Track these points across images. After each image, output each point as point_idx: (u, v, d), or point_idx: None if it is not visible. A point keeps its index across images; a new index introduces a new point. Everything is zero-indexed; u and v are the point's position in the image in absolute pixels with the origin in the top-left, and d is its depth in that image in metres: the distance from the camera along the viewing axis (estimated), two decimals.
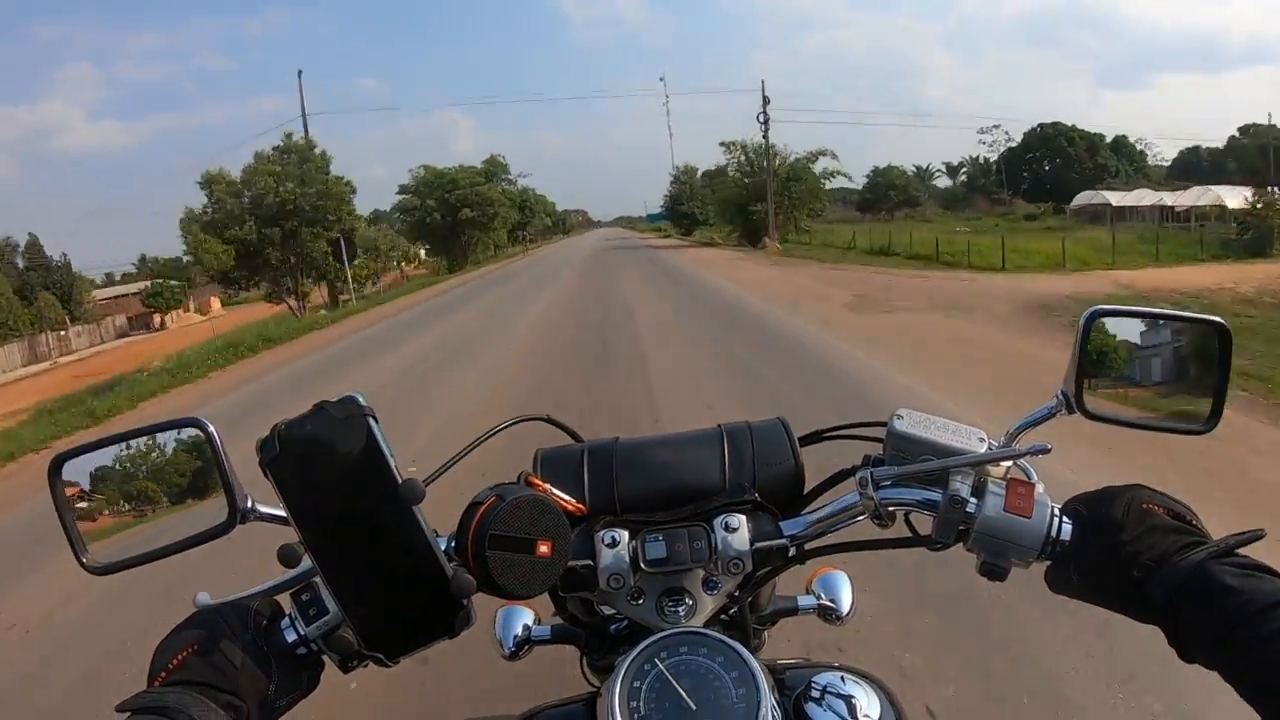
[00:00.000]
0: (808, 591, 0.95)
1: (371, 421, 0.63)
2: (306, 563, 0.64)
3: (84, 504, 0.72)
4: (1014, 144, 66.79)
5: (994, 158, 69.66)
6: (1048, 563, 0.67)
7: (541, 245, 73.55)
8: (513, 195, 50.69)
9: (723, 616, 0.79)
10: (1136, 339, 0.75)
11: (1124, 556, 0.62)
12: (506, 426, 0.86)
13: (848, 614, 0.94)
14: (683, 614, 0.74)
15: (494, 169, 49.85)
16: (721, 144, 41.85)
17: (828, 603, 0.93)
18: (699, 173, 60.37)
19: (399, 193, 46.23)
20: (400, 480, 0.62)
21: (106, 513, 0.73)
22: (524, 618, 0.94)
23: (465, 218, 43.58)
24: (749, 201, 37.80)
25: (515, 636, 0.93)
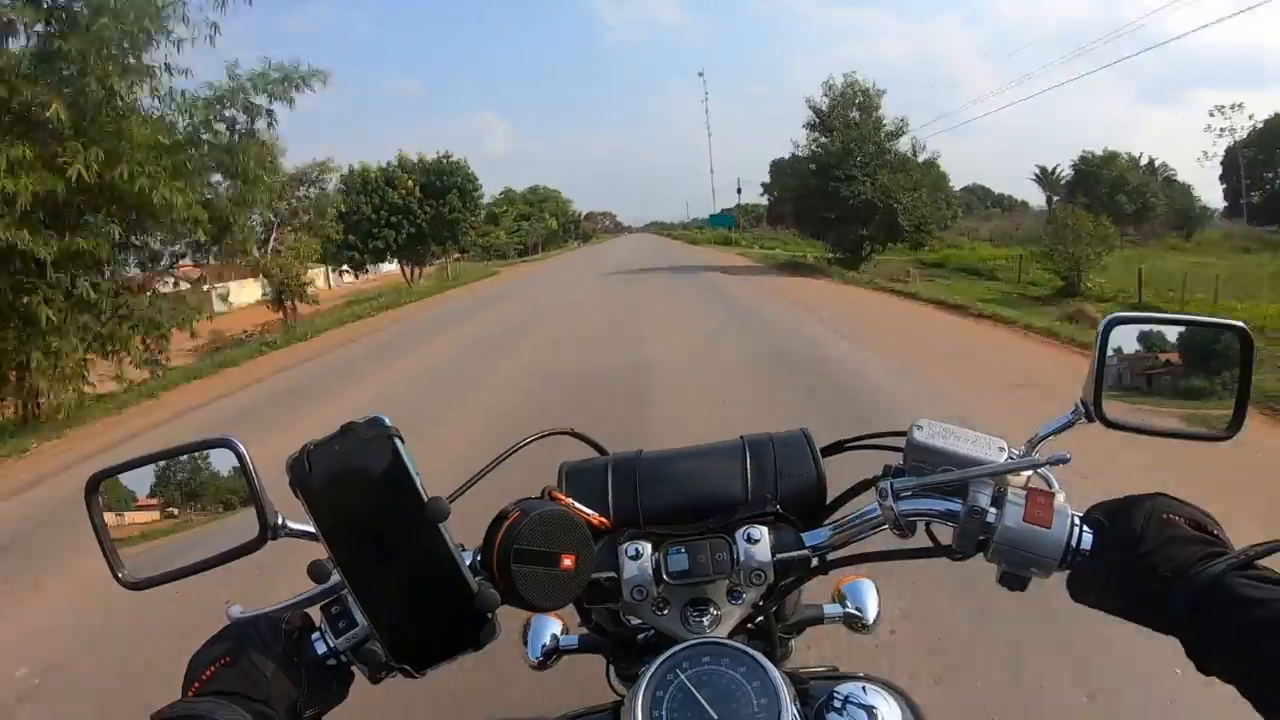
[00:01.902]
0: (834, 600, 0.95)
1: (397, 442, 0.64)
2: (335, 578, 0.66)
3: (119, 521, 0.74)
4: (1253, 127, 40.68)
5: (1217, 154, 42.30)
6: (1069, 571, 0.67)
7: (459, 287, 27.89)
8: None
9: (748, 626, 0.80)
10: (1156, 346, 0.74)
11: (1144, 568, 0.62)
12: (531, 441, 0.87)
13: (874, 622, 0.94)
14: (707, 624, 0.75)
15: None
16: None
17: (854, 611, 0.94)
18: (879, 92, 24.38)
19: None
20: (425, 499, 0.63)
21: (141, 530, 0.75)
22: (552, 627, 0.96)
23: None
24: None
25: (543, 646, 0.94)
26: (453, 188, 29.07)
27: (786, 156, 29.26)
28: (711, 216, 67.57)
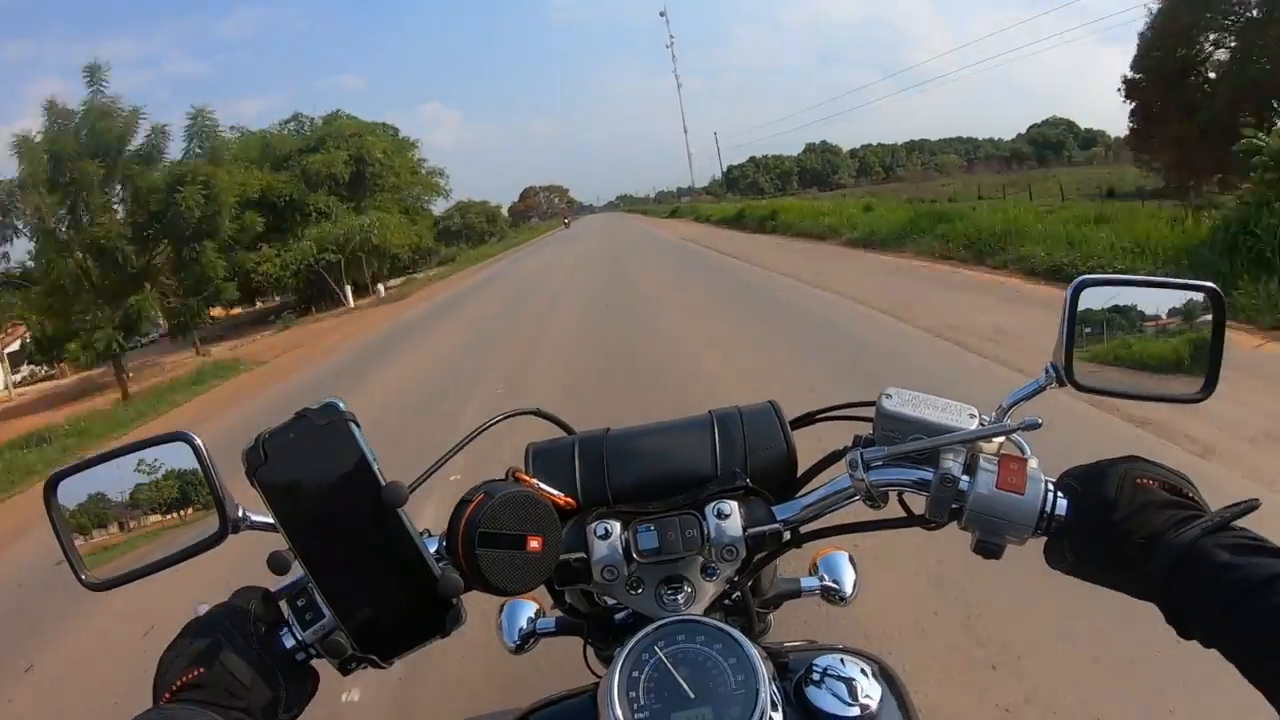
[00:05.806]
0: (810, 573, 0.95)
1: (353, 426, 0.63)
2: (298, 569, 0.64)
3: (81, 521, 0.72)
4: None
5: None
6: (1044, 538, 0.67)
7: None
8: None
9: (725, 602, 0.79)
10: (1126, 307, 0.73)
11: (1118, 535, 0.61)
12: (495, 423, 0.85)
13: (851, 594, 0.93)
14: (682, 601, 0.74)
15: None
16: None
17: (830, 584, 0.93)
18: None
19: None
20: (384, 483, 0.62)
21: (103, 529, 0.73)
22: (528, 611, 0.95)
23: None
24: None
25: (520, 630, 0.94)
26: None
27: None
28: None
